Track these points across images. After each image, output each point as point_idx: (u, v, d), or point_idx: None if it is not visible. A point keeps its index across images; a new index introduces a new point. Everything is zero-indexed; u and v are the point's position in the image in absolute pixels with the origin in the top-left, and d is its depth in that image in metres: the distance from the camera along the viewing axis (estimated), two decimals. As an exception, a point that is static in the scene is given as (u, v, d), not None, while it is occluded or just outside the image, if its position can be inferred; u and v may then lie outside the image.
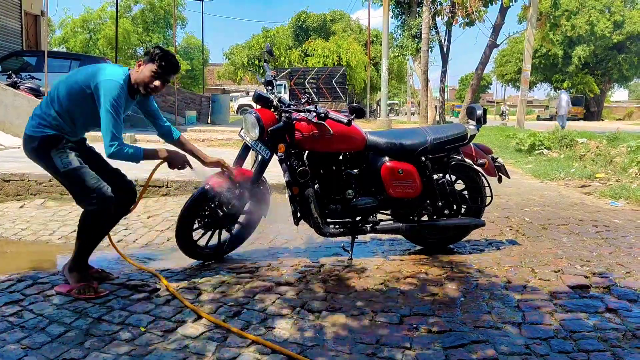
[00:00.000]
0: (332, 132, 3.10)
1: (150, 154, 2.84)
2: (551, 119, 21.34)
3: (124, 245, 3.92)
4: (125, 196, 2.95)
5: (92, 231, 2.80)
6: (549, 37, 23.64)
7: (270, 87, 3.37)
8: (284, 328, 2.37)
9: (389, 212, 3.52)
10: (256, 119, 3.11)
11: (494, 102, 54.89)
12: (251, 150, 3.35)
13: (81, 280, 2.74)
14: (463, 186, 3.65)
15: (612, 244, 3.82)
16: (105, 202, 2.71)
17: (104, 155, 2.85)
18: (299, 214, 3.31)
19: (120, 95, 2.64)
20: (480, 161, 3.54)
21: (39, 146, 2.67)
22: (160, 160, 2.97)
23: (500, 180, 3.72)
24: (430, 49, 21.21)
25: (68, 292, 2.67)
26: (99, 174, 2.78)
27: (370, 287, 2.88)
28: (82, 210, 2.80)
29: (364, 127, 3.80)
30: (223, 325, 2.37)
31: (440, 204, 3.48)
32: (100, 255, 3.72)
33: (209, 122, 18.54)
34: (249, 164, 3.44)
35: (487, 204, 3.65)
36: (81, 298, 2.62)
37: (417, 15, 22.97)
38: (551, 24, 21.17)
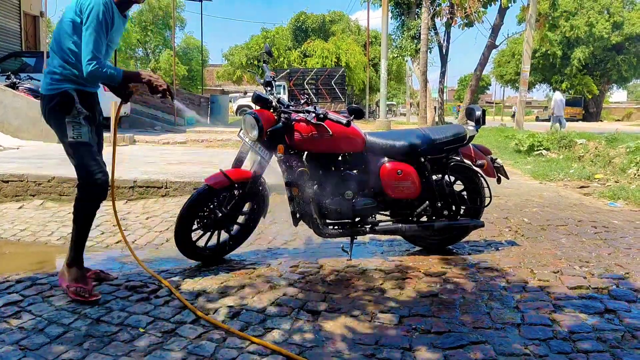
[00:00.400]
0: (331, 133, 3.10)
1: (130, 76, 2.73)
2: (549, 119, 21.46)
3: (123, 246, 3.92)
4: None
5: (81, 215, 2.74)
6: (548, 37, 23.69)
7: (269, 88, 3.37)
8: (283, 329, 2.37)
9: (388, 212, 3.52)
10: (255, 120, 3.11)
11: (493, 102, 54.95)
12: (250, 151, 3.35)
13: (78, 280, 2.70)
14: (462, 187, 3.65)
15: (611, 245, 3.82)
16: (98, 188, 2.69)
17: (102, 144, 2.89)
18: (298, 215, 3.30)
19: (104, 12, 2.54)
20: (479, 162, 3.54)
21: (54, 107, 2.61)
22: (121, 102, 2.96)
23: (499, 181, 3.72)
24: (429, 50, 21.26)
25: (67, 287, 2.66)
26: None
27: (369, 288, 2.88)
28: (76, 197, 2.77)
29: (363, 128, 3.80)
30: (222, 326, 2.36)
31: (439, 204, 3.48)
32: (102, 256, 3.72)
33: (208, 122, 18.56)
34: (248, 165, 3.44)
35: (486, 204, 3.65)
36: (76, 299, 2.59)
37: (416, 16, 23.03)
38: (550, 25, 21.20)
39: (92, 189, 2.70)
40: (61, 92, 2.61)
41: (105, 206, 5.09)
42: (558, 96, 20.19)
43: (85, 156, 2.67)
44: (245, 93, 30.88)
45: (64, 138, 2.65)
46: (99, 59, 2.55)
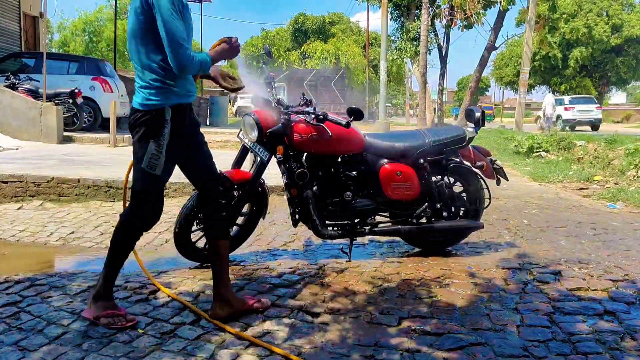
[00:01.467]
0: (330, 134, 3.10)
1: (217, 57, 2.44)
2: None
3: (122, 247, 3.91)
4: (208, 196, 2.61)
5: (121, 238, 2.47)
6: (547, 39, 23.72)
7: (268, 89, 3.37)
8: (282, 330, 2.37)
9: (387, 214, 3.52)
10: (255, 121, 3.11)
11: (492, 104, 54.97)
12: (250, 152, 3.35)
13: (108, 307, 2.42)
14: (461, 188, 3.65)
15: (610, 247, 3.82)
16: (144, 216, 2.46)
17: (209, 151, 2.58)
18: (297, 216, 3.30)
19: None
20: (479, 163, 3.55)
21: (143, 125, 2.35)
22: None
23: (498, 182, 3.72)
24: (428, 52, 21.26)
25: (95, 318, 2.39)
26: (189, 166, 2.53)
27: (369, 289, 2.88)
28: (121, 217, 2.52)
29: (362, 129, 3.81)
30: (222, 326, 2.36)
31: (438, 206, 3.48)
32: (101, 257, 3.72)
33: (207, 123, 18.55)
34: (247, 166, 3.44)
35: (485, 206, 3.65)
36: (113, 328, 2.34)
37: (415, 18, 23.04)
38: (549, 27, 21.22)
39: (142, 212, 2.46)
40: (156, 110, 2.34)
41: (105, 207, 5.10)
42: (550, 99, 20.73)
43: (150, 185, 2.43)
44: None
45: (139, 161, 2.40)
46: (187, 47, 2.26)
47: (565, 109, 23.06)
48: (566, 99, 25.03)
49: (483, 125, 3.66)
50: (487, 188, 3.63)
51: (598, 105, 23.88)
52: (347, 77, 28.55)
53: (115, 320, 2.37)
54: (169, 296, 2.72)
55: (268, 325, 2.42)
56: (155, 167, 2.39)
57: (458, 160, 3.55)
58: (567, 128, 20.71)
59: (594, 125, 22.88)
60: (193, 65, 2.28)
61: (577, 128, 22.22)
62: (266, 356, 2.14)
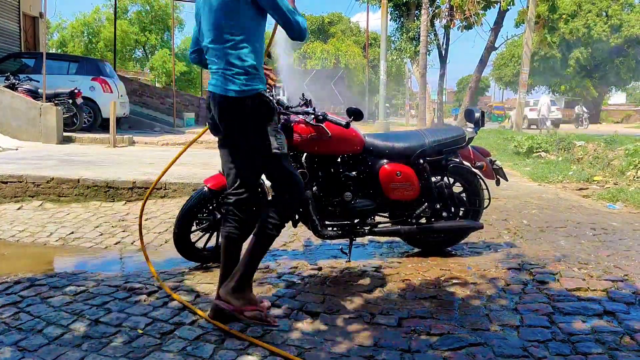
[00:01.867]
0: (330, 135, 3.10)
1: None
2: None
3: (122, 247, 3.92)
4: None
5: (271, 232, 2.53)
6: (547, 39, 23.78)
7: (268, 90, 3.37)
8: (282, 330, 2.37)
9: (387, 214, 3.52)
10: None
11: (493, 105, 54.97)
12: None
13: (252, 302, 2.40)
14: (461, 189, 3.65)
15: (609, 247, 3.82)
16: (302, 191, 2.50)
17: None
18: (297, 216, 3.30)
19: None
20: (479, 164, 3.55)
21: (256, 112, 2.30)
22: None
23: (498, 182, 3.72)
24: (428, 52, 21.26)
25: (240, 312, 2.37)
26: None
27: (368, 290, 2.88)
28: (271, 205, 2.48)
29: (362, 129, 3.81)
30: (222, 326, 2.36)
31: (438, 206, 3.48)
32: (101, 257, 3.72)
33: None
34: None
35: (485, 206, 3.65)
36: (258, 323, 2.37)
37: (415, 18, 23.05)
38: (549, 27, 21.25)
39: (300, 189, 2.45)
40: (256, 95, 2.31)
41: (104, 207, 5.10)
42: (545, 100, 21.19)
43: (290, 167, 2.42)
44: None
45: (266, 149, 2.33)
46: None
47: (531, 109, 26.23)
48: (531, 101, 28.02)
49: (482, 125, 3.66)
50: (487, 188, 3.63)
51: (558, 107, 28.56)
52: (347, 77, 28.56)
53: (260, 315, 2.37)
54: (168, 296, 2.72)
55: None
56: (283, 144, 2.39)
57: (458, 160, 3.55)
58: (532, 126, 23.92)
59: (555, 124, 26.19)
60: (306, 28, 2.37)
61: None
62: (266, 356, 2.14)
